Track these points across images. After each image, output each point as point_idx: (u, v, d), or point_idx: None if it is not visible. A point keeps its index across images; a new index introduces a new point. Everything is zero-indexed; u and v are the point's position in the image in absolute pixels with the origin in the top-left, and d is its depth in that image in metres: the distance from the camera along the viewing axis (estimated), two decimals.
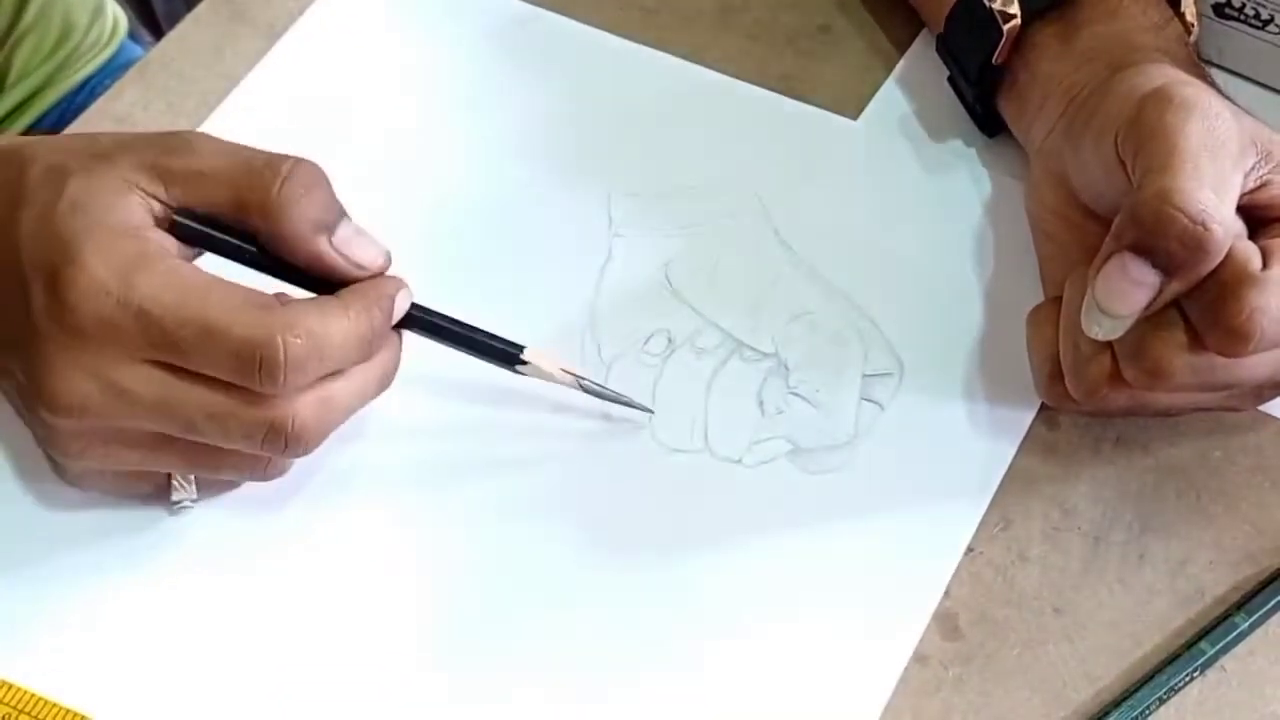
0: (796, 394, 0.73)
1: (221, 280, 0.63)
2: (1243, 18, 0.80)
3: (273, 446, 0.64)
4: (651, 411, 0.72)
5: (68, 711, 0.65)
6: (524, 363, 0.69)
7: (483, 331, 0.69)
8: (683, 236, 0.78)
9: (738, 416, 0.73)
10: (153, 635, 0.67)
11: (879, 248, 0.77)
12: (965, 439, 0.72)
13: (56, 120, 1.02)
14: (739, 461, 0.72)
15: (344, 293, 0.65)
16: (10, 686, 0.66)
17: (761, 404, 0.73)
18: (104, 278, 0.62)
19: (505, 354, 0.69)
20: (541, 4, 0.85)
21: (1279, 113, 0.74)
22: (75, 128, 0.81)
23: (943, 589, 0.69)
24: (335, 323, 0.64)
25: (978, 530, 0.70)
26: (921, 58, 0.83)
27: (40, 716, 0.65)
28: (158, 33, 1.24)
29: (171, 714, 0.66)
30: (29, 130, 1.02)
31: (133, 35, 1.08)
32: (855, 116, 0.82)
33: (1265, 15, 0.80)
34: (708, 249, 0.77)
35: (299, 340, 0.62)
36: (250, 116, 0.81)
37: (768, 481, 0.71)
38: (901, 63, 0.84)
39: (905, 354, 0.74)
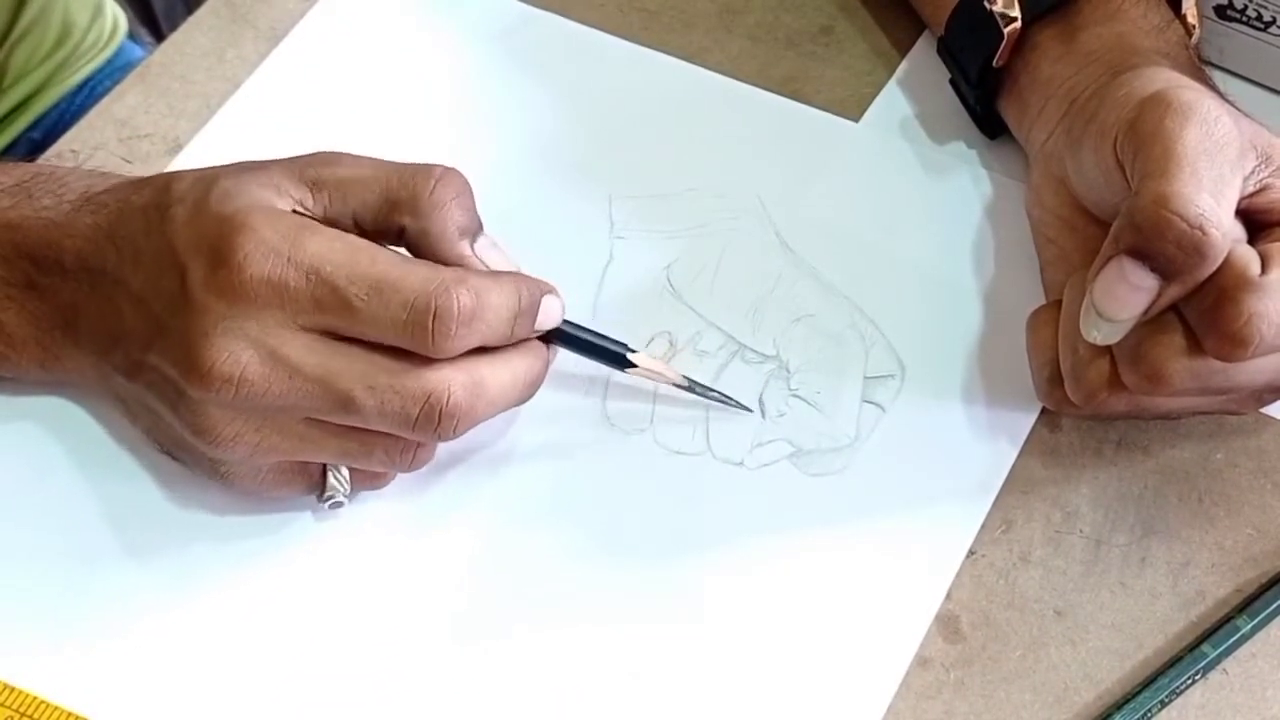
0: (798, 396, 0.73)
1: (382, 247, 0.65)
2: (1244, 19, 0.80)
3: (426, 423, 0.64)
4: (751, 410, 0.73)
5: (68, 714, 0.65)
6: (633, 365, 0.71)
7: (595, 333, 0.70)
8: (684, 238, 0.78)
9: (739, 419, 0.73)
10: (153, 639, 0.67)
11: (880, 249, 0.77)
12: (967, 441, 0.72)
13: (55, 121, 1.01)
14: (740, 464, 0.72)
15: (492, 271, 0.66)
16: (12, 689, 0.66)
17: (763, 406, 0.73)
18: (273, 240, 0.63)
19: (616, 355, 0.71)
20: (543, 6, 0.85)
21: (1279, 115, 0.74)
22: (76, 129, 0.81)
23: (944, 591, 0.69)
24: (492, 288, 0.65)
25: (979, 533, 0.70)
26: (923, 60, 0.83)
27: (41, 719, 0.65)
28: (157, 33, 1.24)
29: (172, 718, 0.66)
30: (27, 131, 1.02)
31: (132, 35, 1.08)
32: (857, 118, 0.82)
33: (1267, 17, 0.80)
34: (709, 251, 0.77)
35: (468, 294, 0.63)
36: (252, 119, 0.81)
37: (769, 484, 0.71)
38: (903, 65, 0.84)
39: (907, 356, 0.74)
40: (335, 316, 0.63)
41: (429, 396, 0.64)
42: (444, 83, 0.83)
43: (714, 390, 0.72)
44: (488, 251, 0.67)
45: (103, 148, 0.80)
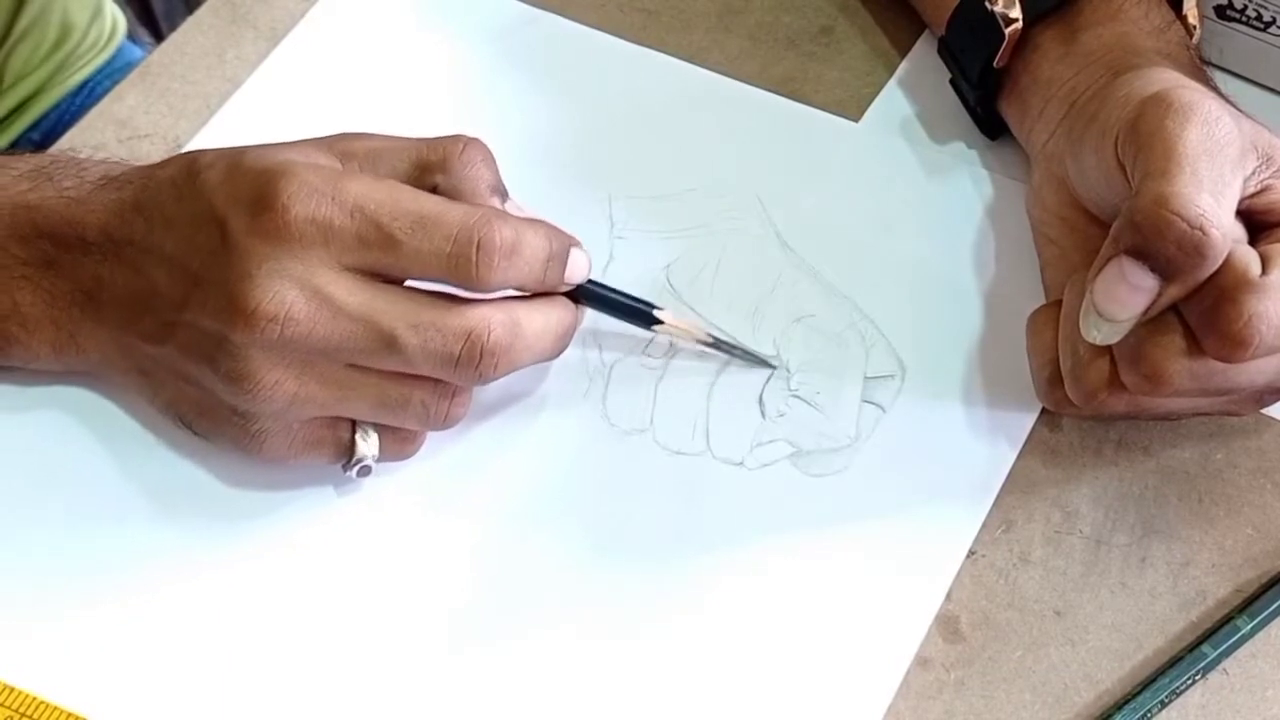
0: (798, 396, 0.73)
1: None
2: (1244, 19, 0.80)
3: (468, 362, 0.65)
4: (774, 368, 0.73)
5: (68, 715, 0.65)
6: (659, 321, 0.72)
7: (621, 292, 0.71)
8: (684, 238, 0.78)
9: (739, 419, 0.73)
10: (153, 638, 0.67)
11: (880, 250, 0.77)
12: (967, 441, 0.72)
13: (55, 122, 1.01)
14: (740, 464, 0.72)
15: (523, 216, 0.67)
16: (11, 690, 0.66)
17: (763, 406, 0.73)
18: (315, 181, 0.64)
19: (643, 313, 0.72)
20: (543, 6, 0.85)
21: None
22: (76, 130, 0.81)
23: (944, 591, 0.69)
24: (528, 228, 0.66)
25: (979, 533, 0.70)
26: (923, 60, 0.83)
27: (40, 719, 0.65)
28: (157, 33, 1.24)
29: (172, 717, 0.66)
30: (27, 132, 1.02)
31: (131, 36, 1.08)
32: (857, 118, 0.82)
33: (1267, 17, 0.80)
34: (709, 251, 0.77)
35: (509, 228, 0.65)
36: (252, 119, 0.81)
37: (769, 484, 0.71)
38: (903, 65, 0.84)
39: (907, 356, 0.74)
40: (380, 252, 0.64)
41: (470, 333, 0.65)
42: (444, 83, 0.83)
43: (739, 347, 0.73)
44: (516, 213, 0.68)
45: (103, 148, 0.80)
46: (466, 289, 0.65)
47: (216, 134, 0.80)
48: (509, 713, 0.66)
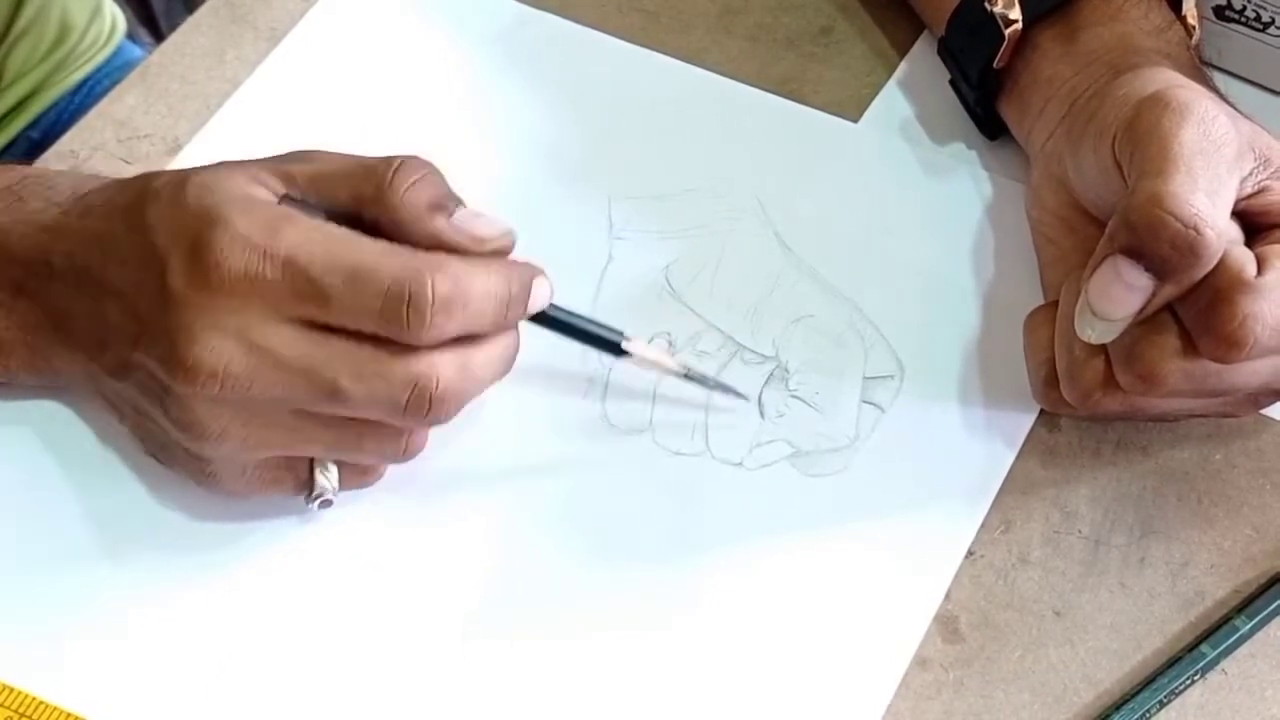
0: (797, 397, 0.73)
1: (362, 235, 0.64)
2: (1243, 20, 0.80)
3: (416, 408, 0.64)
4: (747, 399, 0.73)
5: (67, 715, 0.65)
6: (626, 353, 0.70)
7: (589, 319, 0.70)
8: (683, 239, 0.78)
9: (738, 419, 0.73)
10: (153, 639, 0.67)
11: (880, 250, 0.78)
12: (966, 442, 0.72)
13: (54, 121, 1.01)
14: (740, 464, 0.72)
15: (481, 258, 0.65)
16: (11, 690, 0.66)
17: (762, 407, 0.73)
18: (249, 232, 0.62)
19: (609, 342, 0.70)
20: (543, 6, 0.85)
21: (1279, 116, 0.74)
22: (76, 130, 0.81)
23: (943, 592, 0.69)
24: (477, 274, 0.64)
25: (978, 533, 0.70)
26: (923, 60, 0.83)
27: None
28: (156, 33, 1.24)
29: (171, 718, 0.66)
30: (26, 130, 1.02)
31: (131, 35, 1.08)
32: (856, 119, 0.82)
33: (1266, 18, 0.80)
34: (708, 251, 0.77)
35: (446, 282, 0.63)
36: (251, 120, 0.81)
37: (768, 484, 0.71)
38: (903, 65, 0.84)
39: (906, 356, 0.74)
40: (314, 307, 0.63)
41: (416, 382, 0.63)
42: (443, 83, 0.83)
43: (711, 378, 0.72)
44: (470, 221, 0.66)
45: (102, 148, 0.80)
46: (405, 342, 0.63)
47: (216, 134, 0.80)
48: (507, 713, 0.66)
